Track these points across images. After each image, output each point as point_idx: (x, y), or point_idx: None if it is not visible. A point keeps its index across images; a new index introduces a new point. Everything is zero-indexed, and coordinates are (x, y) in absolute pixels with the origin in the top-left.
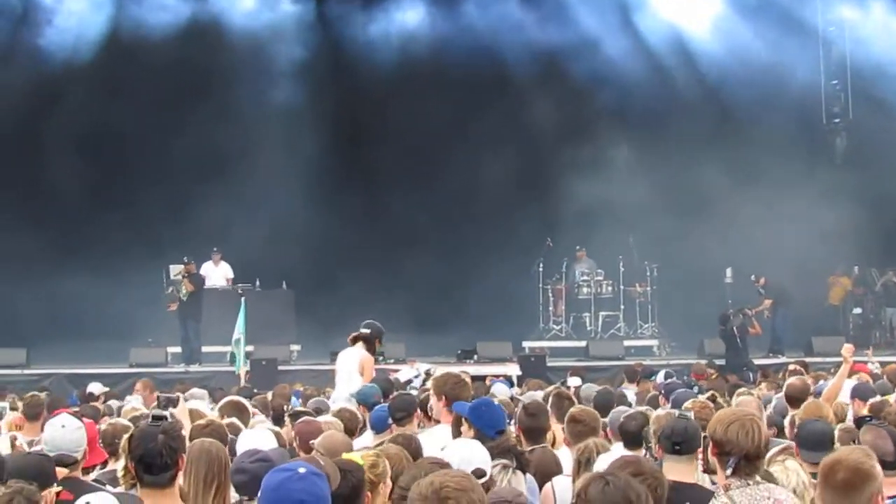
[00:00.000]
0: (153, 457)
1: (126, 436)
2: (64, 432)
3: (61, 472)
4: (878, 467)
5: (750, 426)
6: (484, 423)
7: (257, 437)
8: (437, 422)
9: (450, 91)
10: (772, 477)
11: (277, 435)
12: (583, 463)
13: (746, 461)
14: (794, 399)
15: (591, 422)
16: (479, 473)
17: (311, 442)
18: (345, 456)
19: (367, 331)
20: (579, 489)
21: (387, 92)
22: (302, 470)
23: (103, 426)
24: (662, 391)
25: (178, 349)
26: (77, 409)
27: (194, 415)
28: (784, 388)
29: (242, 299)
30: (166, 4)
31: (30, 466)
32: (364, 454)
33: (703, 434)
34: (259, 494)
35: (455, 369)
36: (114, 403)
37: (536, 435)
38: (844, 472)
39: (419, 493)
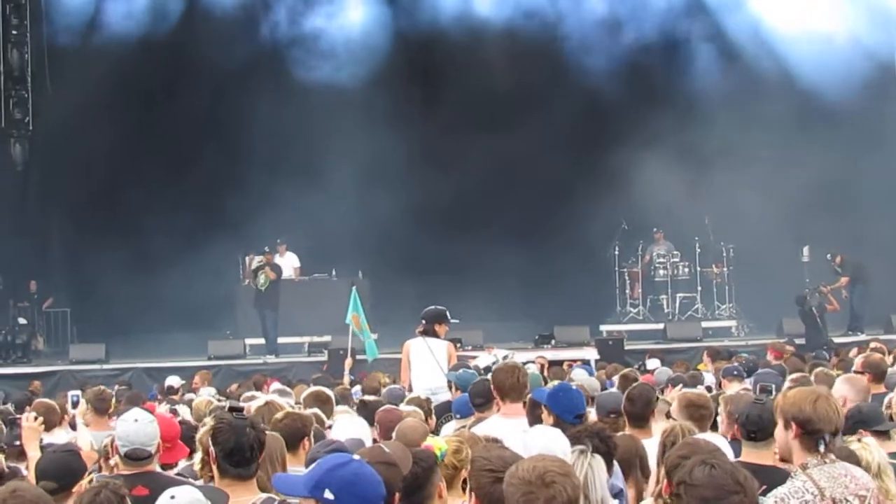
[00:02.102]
0: (243, 450)
1: (207, 429)
2: (137, 427)
3: (133, 467)
4: None
5: (835, 402)
6: (562, 408)
7: (352, 426)
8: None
9: (521, 73)
10: (854, 455)
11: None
12: (668, 446)
13: (833, 438)
14: (876, 375)
15: (709, 405)
16: None
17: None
18: (429, 441)
19: (440, 320)
20: (683, 474)
21: (457, 73)
22: (356, 457)
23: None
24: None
25: (256, 341)
26: (156, 403)
27: (271, 407)
28: (862, 365)
29: (353, 287)
30: None
31: (56, 464)
32: (447, 438)
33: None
34: (334, 496)
35: (533, 355)
36: (189, 397)
37: (638, 420)
38: None
39: (521, 478)
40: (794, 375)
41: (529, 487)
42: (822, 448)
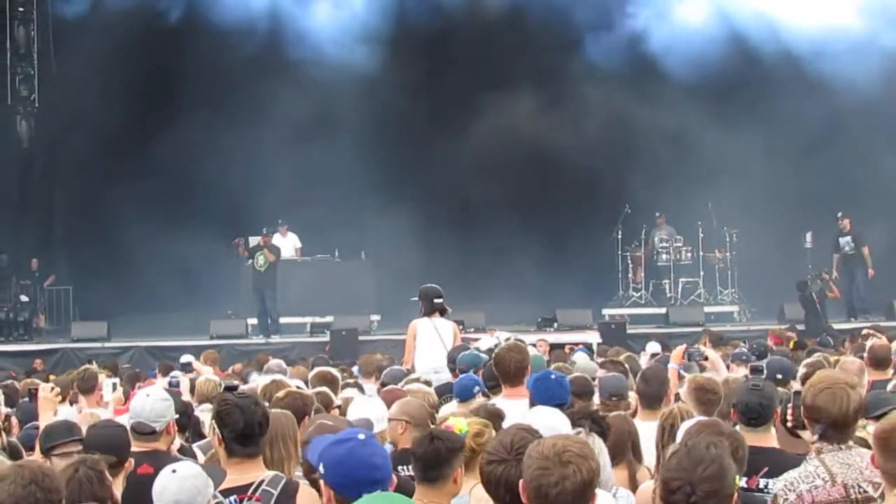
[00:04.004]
0: (252, 427)
1: (214, 409)
2: (146, 401)
3: (141, 444)
4: None
5: (840, 393)
6: (540, 397)
7: (368, 405)
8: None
9: (526, 59)
10: (866, 443)
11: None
12: (667, 429)
13: (834, 429)
14: (879, 361)
15: (718, 391)
16: None
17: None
18: (451, 421)
19: (441, 301)
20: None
21: (462, 54)
22: (361, 436)
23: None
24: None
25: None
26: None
27: (277, 385)
28: (867, 351)
29: None
30: None
31: (103, 437)
32: (471, 421)
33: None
34: (324, 470)
35: (535, 337)
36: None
37: (653, 402)
38: None
39: (539, 453)
40: (809, 360)
41: (546, 463)
42: (815, 437)
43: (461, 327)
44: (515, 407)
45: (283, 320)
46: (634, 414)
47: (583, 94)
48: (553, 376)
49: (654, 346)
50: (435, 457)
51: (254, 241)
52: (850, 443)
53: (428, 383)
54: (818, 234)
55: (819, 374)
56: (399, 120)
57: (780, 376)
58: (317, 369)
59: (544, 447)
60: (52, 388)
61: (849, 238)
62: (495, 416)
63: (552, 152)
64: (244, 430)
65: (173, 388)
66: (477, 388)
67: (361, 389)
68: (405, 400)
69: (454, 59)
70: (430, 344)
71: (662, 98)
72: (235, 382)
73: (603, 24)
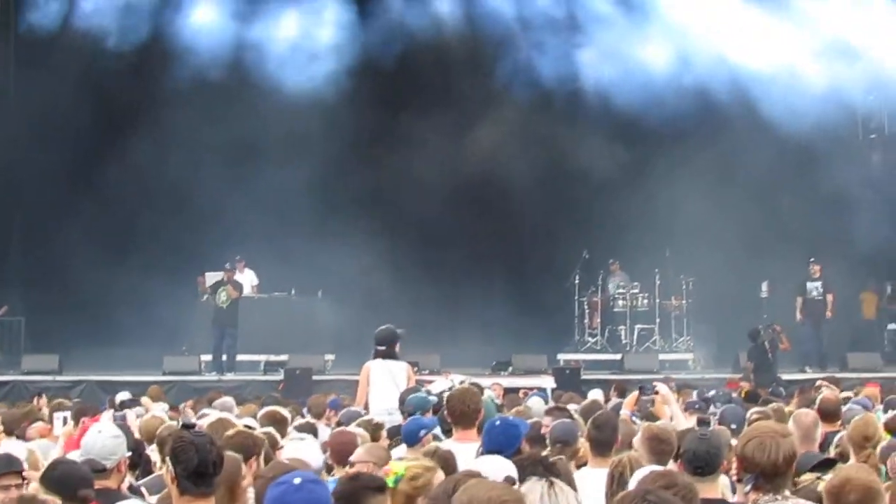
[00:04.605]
0: (207, 466)
1: (168, 446)
2: (98, 438)
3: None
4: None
5: (770, 443)
6: (490, 444)
7: (303, 448)
8: None
9: (486, 98)
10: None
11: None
12: (616, 477)
13: (765, 478)
14: (829, 414)
15: (673, 441)
16: (510, 480)
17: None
18: (390, 464)
19: (390, 345)
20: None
21: (422, 98)
22: (297, 480)
23: None
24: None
25: (210, 357)
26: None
27: (223, 423)
28: (818, 403)
29: None
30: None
31: (66, 475)
32: (410, 465)
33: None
34: None
35: (489, 381)
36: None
37: (604, 448)
38: (855, 492)
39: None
40: (755, 410)
41: None
42: (747, 487)
43: (416, 369)
44: (466, 451)
45: (238, 357)
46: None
47: (541, 138)
48: (498, 423)
49: (596, 393)
50: (351, 497)
51: (212, 276)
52: (787, 493)
53: (380, 425)
54: (774, 284)
55: (754, 424)
56: (359, 158)
57: (734, 426)
58: (266, 408)
59: (478, 499)
60: None
61: (818, 284)
62: (444, 461)
63: (511, 195)
64: (198, 468)
65: (119, 421)
66: (423, 431)
67: (314, 430)
68: (372, 444)
69: (415, 92)
70: (384, 385)
71: (622, 144)
72: (193, 420)
73: (563, 66)
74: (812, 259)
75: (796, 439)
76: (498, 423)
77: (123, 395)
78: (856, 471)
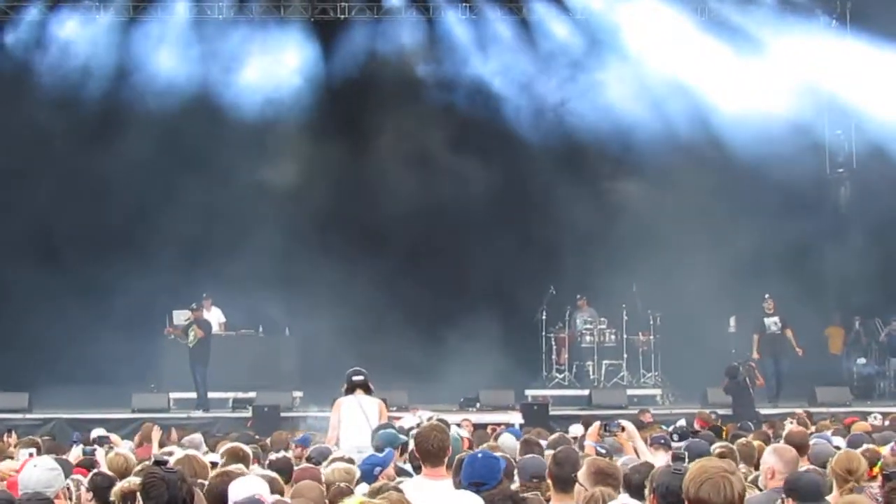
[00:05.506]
0: (176, 502)
1: (138, 482)
2: (34, 472)
3: None
4: None
5: (721, 482)
6: (470, 477)
7: (250, 484)
8: None
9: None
10: None
11: (273, 481)
12: None
13: None
14: (797, 448)
15: (618, 475)
16: None
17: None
18: (345, 501)
19: (362, 378)
20: None
21: (386, 141)
22: None
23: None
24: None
25: (180, 395)
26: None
27: (190, 459)
28: (784, 437)
29: None
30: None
31: None
32: (363, 502)
33: None
34: None
35: (458, 417)
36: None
37: (564, 484)
38: None
39: None
40: (717, 445)
41: None
42: None
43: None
44: (436, 487)
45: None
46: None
47: (507, 171)
48: (480, 455)
49: (577, 429)
50: None
51: (179, 314)
52: None
53: (351, 461)
54: (742, 319)
55: (696, 464)
56: (324, 193)
57: None
58: (228, 445)
59: None
60: None
61: (776, 318)
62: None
63: (477, 229)
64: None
65: (87, 455)
66: (379, 468)
67: (290, 466)
68: (303, 484)
69: (380, 126)
70: (354, 422)
71: (589, 179)
72: (166, 458)
73: (530, 96)
74: (767, 295)
75: (779, 472)
76: (480, 455)
77: (99, 432)
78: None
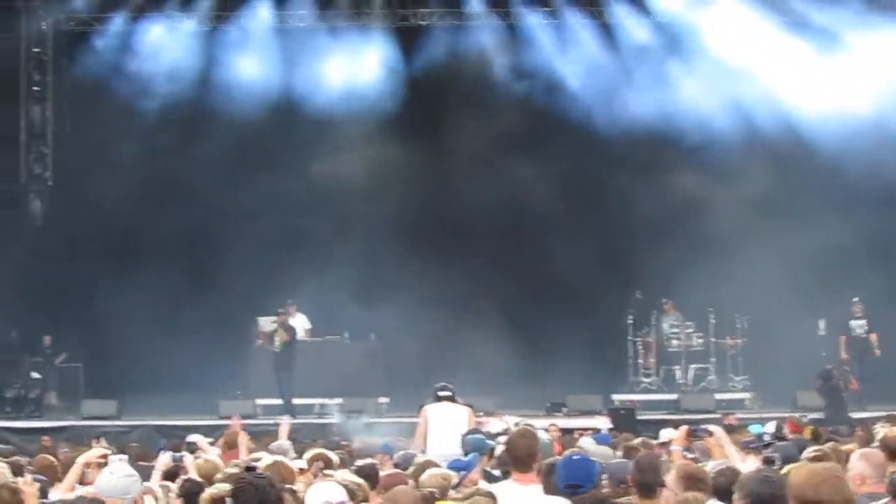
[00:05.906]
0: None
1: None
2: (110, 478)
3: None
4: None
5: (838, 483)
6: (566, 480)
7: (326, 490)
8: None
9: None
10: None
11: (359, 488)
12: None
13: None
14: (892, 452)
15: (707, 479)
16: None
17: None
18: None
19: (449, 394)
20: None
21: (465, 142)
22: None
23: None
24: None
25: (267, 401)
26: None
27: (280, 466)
28: (880, 442)
29: None
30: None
31: None
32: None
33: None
34: None
35: (545, 422)
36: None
37: (647, 490)
38: None
39: None
40: (811, 449)
41: None
42: None
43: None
44: (524, 493)
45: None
46: None
47: (591, 176)
48: (577, 457)
49: (668, 433)
50: None
51: (265, 321)
52: None
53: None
54: (831, 322)
55: (802, 468)
56: (406, 199)
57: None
58: (312, 451)
59: None
60: (33, 479)
61: (863, 322)
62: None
63: (563, 235)
64: None
65: (176, 462)
66: (463, 473)
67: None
68: (399, 489)
69: (462, 128)
70: (441, 429)
71: (674, 183)
72: (255, 464)
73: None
74: (856, 298)
75: (869, 478)
76: (576, 457)
77: (194, 437)
78: None
